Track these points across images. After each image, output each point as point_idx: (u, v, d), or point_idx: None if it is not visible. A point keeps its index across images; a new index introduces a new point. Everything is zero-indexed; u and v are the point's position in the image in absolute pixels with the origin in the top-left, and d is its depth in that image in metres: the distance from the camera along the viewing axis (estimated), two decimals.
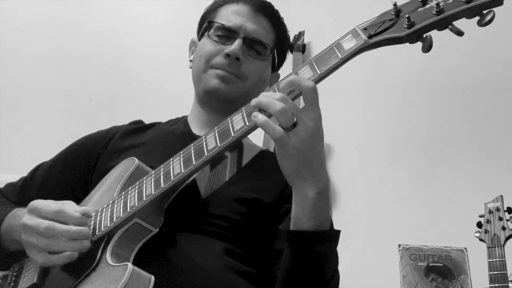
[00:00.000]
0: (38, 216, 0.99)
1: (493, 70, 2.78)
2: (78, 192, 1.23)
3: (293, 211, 0.93)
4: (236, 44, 1.20)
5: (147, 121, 1.39)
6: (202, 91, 1.25)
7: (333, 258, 1.00)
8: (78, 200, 1.17)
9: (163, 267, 0.96)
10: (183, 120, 1.34)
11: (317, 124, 0.87)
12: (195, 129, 1.28)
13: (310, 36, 3.08)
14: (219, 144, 0.92)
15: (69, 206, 1.02)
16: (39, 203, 1.01)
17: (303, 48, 3.02)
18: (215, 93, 1.22)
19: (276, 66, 1.36)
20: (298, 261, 0.95)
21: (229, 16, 1.25)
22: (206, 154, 0.93)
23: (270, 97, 0.87)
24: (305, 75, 0.88)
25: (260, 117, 0.87)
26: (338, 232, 0.97)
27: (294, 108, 0.87)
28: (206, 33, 1.26)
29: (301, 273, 0.95)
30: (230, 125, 0.92)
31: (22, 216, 1.02)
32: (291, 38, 1.57)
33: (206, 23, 1.27)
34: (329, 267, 0.99)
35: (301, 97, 0.90)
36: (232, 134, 0.91)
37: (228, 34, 1.23)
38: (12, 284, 1.10)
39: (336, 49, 0.87)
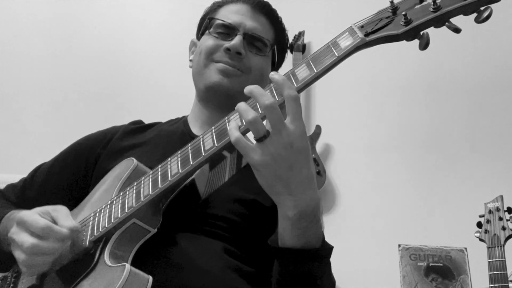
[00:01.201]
0: (25, 231, 0.95)
1: (493, 69, 2.78)
2: (78, 192, 1.23)
3: (278, 226, 0.91)
4: (237, 39, 1.21)
5: (147, 121, 1.39)
6: (203, 87, 1.24)
7: (325, 277, 0.97)
8: (78, 200, 1.18)
9: (163, 267, 0.96)
10: (183, 120, 1.34)
11: (294, 139, 0.82)
12: (195, 129, 1.28)
13: (310, 36, 3.08)
14: (216, 144, 0.91)
15: (59, 218, 0.97)
16: (27, 216, 0.96)
17: (303, 48, 3.01)
18: (217, 88, 1.21)
19: (276, 64, 1.36)
20: (285, 276, 0.93)
21: (229, 14, 1.26)
22: (203, 154, 0.92)
23: (249, 105, 0.87)
24: (302, 74, 0.87)
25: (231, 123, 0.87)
26: (328, 250, 0.93)
27: (276, 119, 0.82)
28: (207, 31, 1.27)
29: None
30: (227, 125, 0.91)
31: (12, 225, 0.99)
32: (291, 38, 1.57)
33: (206, 21, 1.28)
34: (321, 285, 0.95)
35: None
36: None
37: (228, 31, 1.24)
38: (11, 285, 1.10)
39: (332, 48, 0.87)
